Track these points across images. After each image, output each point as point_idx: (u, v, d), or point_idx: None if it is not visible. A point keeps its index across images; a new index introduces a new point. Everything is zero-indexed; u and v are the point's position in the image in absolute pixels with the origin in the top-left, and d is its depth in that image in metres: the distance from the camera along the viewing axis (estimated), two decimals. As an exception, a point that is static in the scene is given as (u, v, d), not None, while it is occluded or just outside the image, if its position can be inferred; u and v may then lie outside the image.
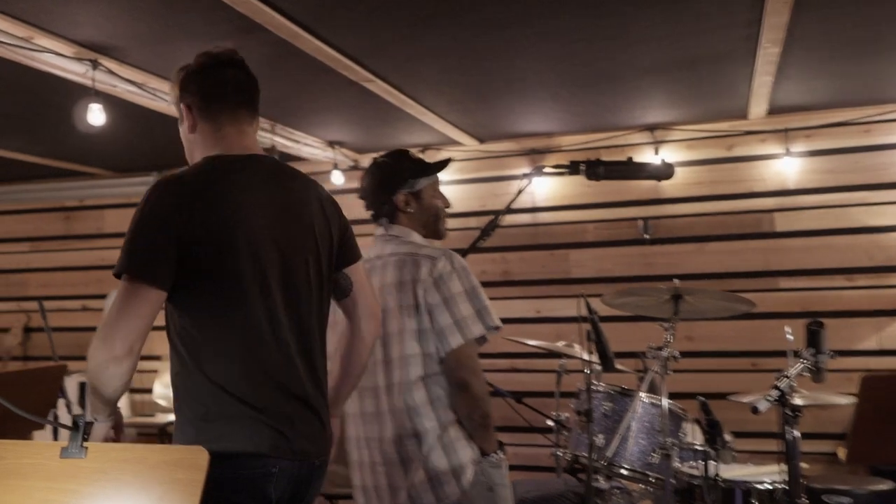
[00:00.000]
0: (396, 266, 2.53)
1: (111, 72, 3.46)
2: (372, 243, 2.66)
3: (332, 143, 5.51)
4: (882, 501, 3.51)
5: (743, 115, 5.00)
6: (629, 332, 4.28)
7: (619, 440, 3.14)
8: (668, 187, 5.17)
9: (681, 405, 3.33)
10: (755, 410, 2.49)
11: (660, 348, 3.10)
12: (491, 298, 2.56)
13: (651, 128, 5.24)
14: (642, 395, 3.17)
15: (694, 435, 3.45)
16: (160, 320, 1.97)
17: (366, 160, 5.88)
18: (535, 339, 4.04)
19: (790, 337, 3.03)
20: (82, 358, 1.92)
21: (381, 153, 2.71)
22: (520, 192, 3.24)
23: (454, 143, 5.49)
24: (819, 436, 4.84)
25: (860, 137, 4.96)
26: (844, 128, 4.97)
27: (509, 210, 3.25)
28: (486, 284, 2.64)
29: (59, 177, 6.35)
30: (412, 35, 3.39)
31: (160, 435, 5.65)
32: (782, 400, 2.62)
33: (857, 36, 3.57)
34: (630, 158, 3.33)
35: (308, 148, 5.36)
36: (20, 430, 3.17)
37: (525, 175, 3.35)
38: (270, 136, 4.84)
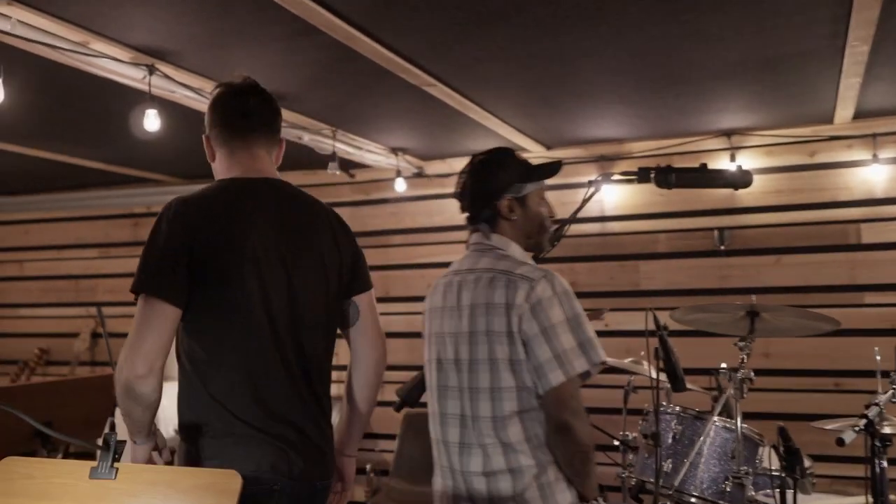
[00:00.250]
0: (489, 285, 2.22)
1: (168, 76, 3.43)
2: (464, 251, 2.40)
3: (395, 150, 5.42)
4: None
5: (827, 120, 4.79)
6: (700, 346, 4.10)
7: (688, 466, 2.96)
8: (745, 196, 4.97)
9: (756, 430, 3.14)
10: (841, 442, 2.30)
11: (734, 369, 2.91)
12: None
13: (727, 133, 5.07)
14: (715, 419, 2.98)
15: (770, 461, 3.25)
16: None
17: (430, 167, 5.80)
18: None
19: (879, 357, 2.83)
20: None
21: (482, 151, 2.41)
22: (585, 200, 3.06)
23: (520, 149, 5.34)
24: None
25: (956, 143, 4.69)
26: (939, 133, 4.71)
27: (575, 219, 3.10)
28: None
29: (128, 183, 6.45)
30: (472, 36, 3.28)
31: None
32: (870, 429, 2.41)
33: (956, 32, 3.32)
34: (704, 165, 3.15)
35: (371, 155, 5.29)
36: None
37: (591, 182, 3.17)
38: (332, 143, 4.78)
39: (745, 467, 2.88)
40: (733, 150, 5.07)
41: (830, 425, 3.01)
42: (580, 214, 3.10)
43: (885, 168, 4.79)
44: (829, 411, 3.71)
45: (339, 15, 2.95)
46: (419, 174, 5.81)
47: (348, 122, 4.71)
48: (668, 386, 3.00)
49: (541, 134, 5.11)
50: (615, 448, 3.61)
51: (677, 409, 3.20)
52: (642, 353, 3.42)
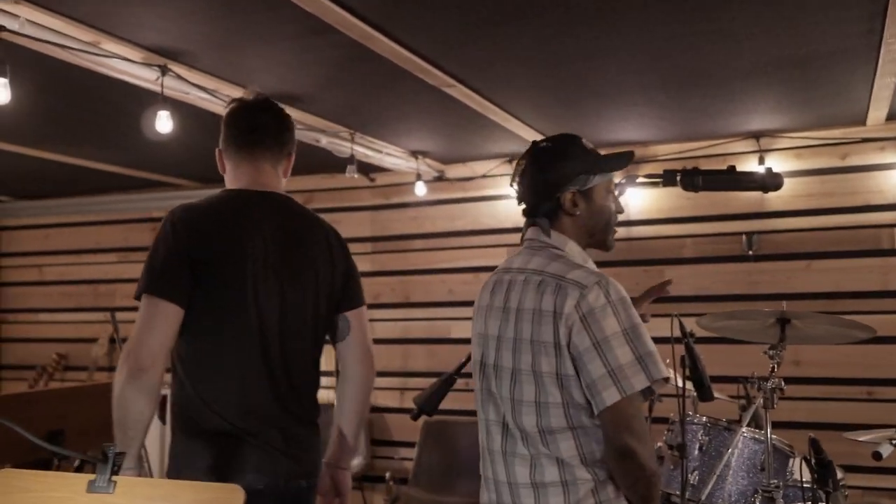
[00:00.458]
0: (537, 289, 1.99)
1: (181, 77, 3.38)
2: (519, 248, 2.17)
3: (415, 153, 5.36)
4: None
5: (860, 121, 4.68)
6: (728, 353, 4.00)
7: (715, 479, 2.86)
8: (774, 199, 4.89)
9: (786, 440, 3.03)
10: (878, 456, 2.19)
11: (764, 378, 2.81)
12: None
13: (756, 135, 4.97)
14: (744, 429, 2.88)
15: (802, 473, 3.14)
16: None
17: (451, 170, 5.73)
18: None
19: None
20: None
21: (545, 137, 2.16)
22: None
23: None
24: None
25: None
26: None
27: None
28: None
29: (147, 188, 6.43)
30: (492, 35, 3.20)
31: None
32: (909, 443, 2.30)
33: None
34: (732, 167, 3.05)
35: (391, 158, 5.22)
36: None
37: (615, 185, 3.07)
38: (350, 146, 4.71)
39: (776, 480, 2.80)
40: (762, 153, 4.98)
41: (864, 437, 2.91)
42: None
43: (920, 171, 4.68)
44: (861, 421, 3.61)
45: (354, 13, 2.89)
46: (440, 178, 5.74)
47: (366, 125, 4.64)
48: (695, 395, 2.92)
49: (563, 137, 5.01)
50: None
51: (704, 419, 3.11)
52: (668, 360, 3.32)
